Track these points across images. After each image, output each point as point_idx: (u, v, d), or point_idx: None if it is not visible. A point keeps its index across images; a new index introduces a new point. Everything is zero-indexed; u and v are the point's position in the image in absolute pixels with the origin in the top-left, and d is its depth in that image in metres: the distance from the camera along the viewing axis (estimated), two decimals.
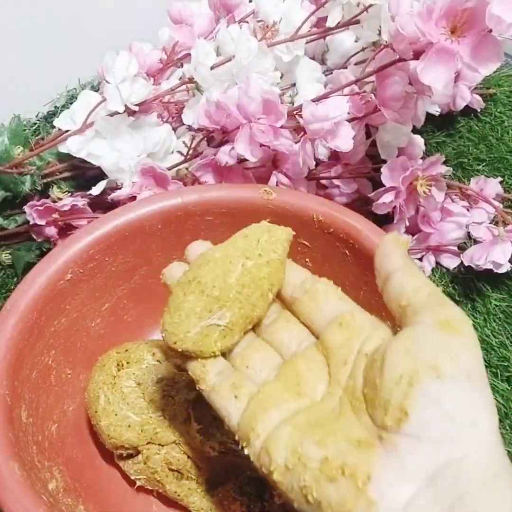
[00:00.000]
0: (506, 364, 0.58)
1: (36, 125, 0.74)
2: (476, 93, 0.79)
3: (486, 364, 0.58)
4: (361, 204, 0.66)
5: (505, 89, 0.84)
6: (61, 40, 0.76)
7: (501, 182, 0.69)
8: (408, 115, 0.56)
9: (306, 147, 0.56)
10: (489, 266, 0.59)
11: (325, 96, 0.56)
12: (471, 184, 0.68)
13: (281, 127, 0.55)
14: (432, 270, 0.66)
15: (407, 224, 0.62)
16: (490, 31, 0.46)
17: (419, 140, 0.66)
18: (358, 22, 0.58)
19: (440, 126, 0.80)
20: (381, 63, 0.53)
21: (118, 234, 0.53)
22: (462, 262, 0.64)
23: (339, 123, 0.55)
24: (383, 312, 0.48)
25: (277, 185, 0.59)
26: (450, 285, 0.65)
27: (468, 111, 0.81)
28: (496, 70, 0.85)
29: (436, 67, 0.48)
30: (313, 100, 0.55)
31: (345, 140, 0.55)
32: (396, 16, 0.49)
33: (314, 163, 0.58)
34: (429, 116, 0.76)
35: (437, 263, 0.66)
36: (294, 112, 0.57)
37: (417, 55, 0.50)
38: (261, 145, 0.56)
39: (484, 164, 0.75)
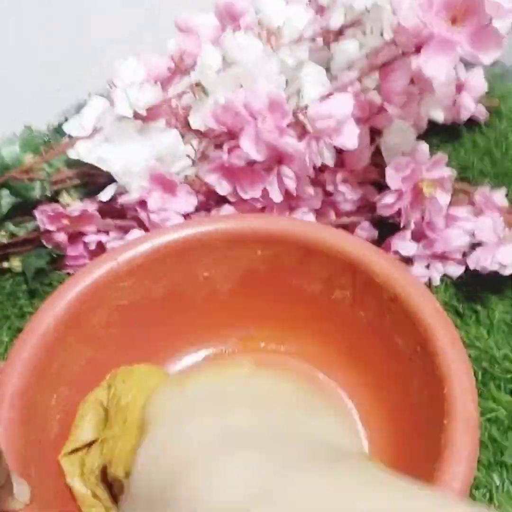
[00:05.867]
0: (509, 376, 0.58)
1: (47, 137, 0.75)
2: (480, 105, 0.80)
3: (490, 376, 0.58)
4: (366, 211, 0.66)
5: (510, 104, 0.85)
6: (71, 52, 0.78)
7: (506, 195, 0.69)
8: (412, 113, 0.57)
9: (312, 145, 0.57)
10: (495, 267, 0.59)
11: (329, 94, 0.57)
12: (475, 197, 0.68)
13: (287, 126, 0.56)
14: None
15: (413, 226, 0.63)
16: (491, 19, 0.47)
17: (424, 146, 0.66)
18: (360, 23, 0.59)
19: (445, 141, 0.80)
20: (384, 59, 0.54)
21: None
22: (466, 272, 0.64)
23: (343, 121, 0.55)
24: None
25: (281, 180, 0.59)
26: (454, 297, 0.64)
27: (472, 125, 0.81)
28: (502, 84, 0.87)
29: (437, 58, 0.49)
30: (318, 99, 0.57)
31: (350, 137, 0.56)
32: (397, 10, 0.50)
33: (320, 161, 0.58)
34: (434, 130, 0.77)
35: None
36: (299, 112, 0.58)
37: (418, 49, 0.51)
38: (267, 144, 0.56)
39: (488, 178, 0.75)
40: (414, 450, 0.46)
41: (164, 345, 0.56)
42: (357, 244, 0.52)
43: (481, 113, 0.80)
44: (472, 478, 0.39)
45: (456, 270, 0.65)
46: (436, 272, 0.65)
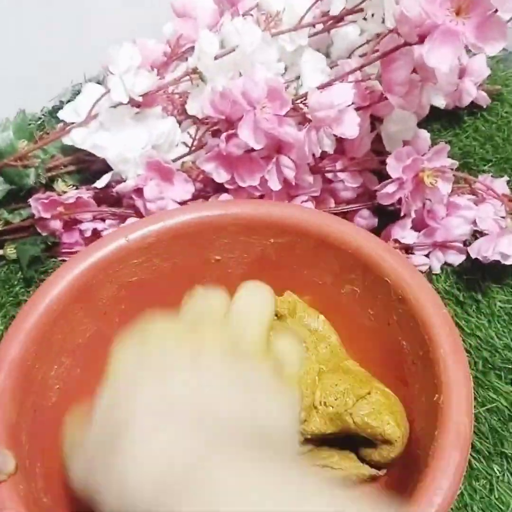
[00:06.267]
0: (510, 366, 0.58)
1: (41, 120, 0.74)
2: (482, 90, 0.79)
3: (490, 366, 0.58)
4: (366, 199, 0.66)
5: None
6: (67, 35, 0.77)
7: (507, 182, 0.68)
8: (413, 102, 0.56)
9: (311, 135, 0.56)
10: (497, 257, 0.59)
11: (329, 84, 0.56)
12: (477, 185, 0.67)
13: (286, 115, 0.55)
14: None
15: (413, 216, 0.62)
16: (496, 11, 0.46)
17: (425, 134, 0.65)
18: (361, 10, 0.58)
19: (446, 126, 0.80)
20: (386, 49, 0.53)
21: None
22: (467, 261, 0.64)
23: (344, 110, 0.55)
24: None
25: (280, 169, 0.58)
26: (454, 286, 0.64)
27: (474, 110, 0.81)
28: (503, 69, 0.86)
29: (441, 49, 0.48)
30: (318, 88, 0.55)
31: (350, 126, 0.55)
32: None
33: (320, 150, 0.57)
34: (435, 115, 0.76)
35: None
36: (298, 101, 0.57)
37: (421, 39, 0.49)
38: (265, 133, 0.56)
39: (490, 164, 0.75)
40: (407, 456, 0.46)
41: None
42: (370, 241, 0.51)
43: (483, 98, 0.79)
44: (457, 493, 0.37)
45: (456, 259, 0.65)
46: (437, 261, 0.65)
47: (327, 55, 0.67)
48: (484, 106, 0.80)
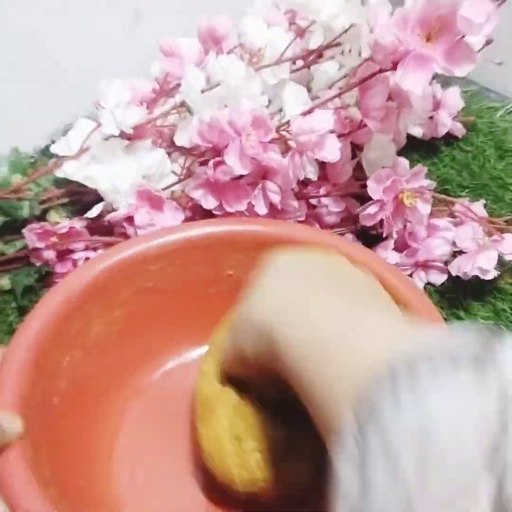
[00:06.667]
0: None
1: (34, 158, 0.76)
2: (457, 121, 0.82)
3: None
4: (350, 223, 0.68)
5: (485, 121, 0.88)
6: (57, 77, 0.80)
7: (484, 206, 0.71)
8: (390, 127, 0.59)
9: (295, 160, 0.59)
10: (476, 272, 0.61)
11: (310, 111, 0.59)
12: (456, 207, 0.70)
13: (270, 141, 0.58)
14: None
15: (395, 237, 0.64)
16: (463, 36, 0.49)
17: (404, 161, 0.68)
18: (339, 44, 0.61)
19: (424, 156, 0.83)
20: (363, 76, 0.56)
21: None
22: (449, 280, 0.66)
23: (324, 135, 0.57)
24: None
25: (266, 194, 0.61)
26: (438, 305, 0.66)
27: (450, 141, 0.84)
28: (477, 102, 0.90)
29: (414, 73, 0.51)
30: (300, 115, 0.58)
31: (332, 150, 0.58)
32: (374, 28, 0.52)
33: (303, 174, 0.60)
34: (413, 145, 0.79)
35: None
36: (282, 129, 0.60)
37: (395, 65, 0.53)
38: (251, 159, 0.58)
39: (467, 190, 0.78)
40: None
41: (179, 333, 0.57)
42: (375, 260, 0.54)
43: (459, 129, 0.82)
44: None
45: (438, 278, 0.67)
46: (420, 281, 0.67)
47: (308, 90, 0.70)
48: (460, 136, 0.84)
